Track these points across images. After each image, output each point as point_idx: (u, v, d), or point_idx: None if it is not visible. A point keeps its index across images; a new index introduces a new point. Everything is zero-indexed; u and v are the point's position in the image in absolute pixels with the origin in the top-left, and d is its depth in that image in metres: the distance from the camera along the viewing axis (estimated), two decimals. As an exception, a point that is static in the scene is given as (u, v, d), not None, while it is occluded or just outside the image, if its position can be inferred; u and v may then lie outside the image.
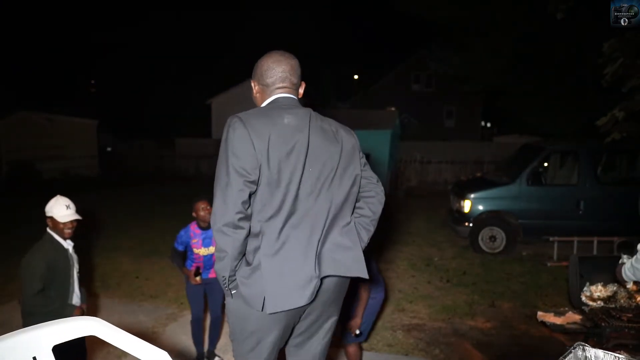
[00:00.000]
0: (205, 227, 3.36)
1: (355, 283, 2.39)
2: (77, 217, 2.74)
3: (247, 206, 1.63)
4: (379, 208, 1.93)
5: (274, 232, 1.63)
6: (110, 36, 31.34)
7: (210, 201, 3.23)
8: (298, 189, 1.65)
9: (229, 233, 1.60)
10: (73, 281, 2.78)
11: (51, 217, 2.69)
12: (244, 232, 1.62)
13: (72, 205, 2.75)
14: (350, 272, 1.75)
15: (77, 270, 2.84)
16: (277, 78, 1.77)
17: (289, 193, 1.64)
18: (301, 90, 1.88)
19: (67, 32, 31.34)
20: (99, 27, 33.70)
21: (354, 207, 1.88)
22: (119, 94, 29.69)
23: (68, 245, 2.79)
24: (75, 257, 2.83)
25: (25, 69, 28.70)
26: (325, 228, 1.71)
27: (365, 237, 1.89)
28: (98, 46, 30.62)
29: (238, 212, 1.59)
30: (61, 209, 2.69)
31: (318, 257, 1.68)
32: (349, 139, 1.83)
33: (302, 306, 1.67)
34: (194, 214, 3.37)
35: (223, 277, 1.66)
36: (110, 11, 33.99)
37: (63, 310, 2.64)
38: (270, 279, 1.62)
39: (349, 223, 1.81)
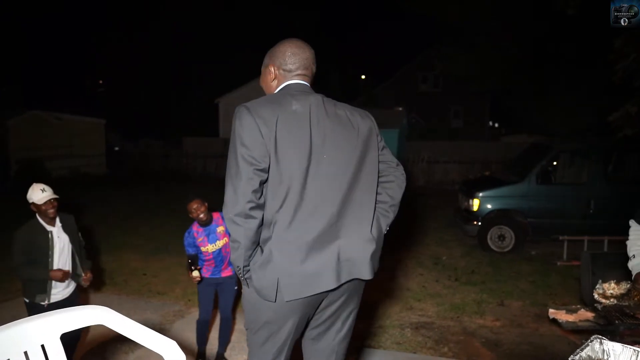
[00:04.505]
0: (205, 223, 3.33)
1: None
2: (54, 196, 2.99)
3: (258, 195, 1.60)
4: (398, 193, 1.88)
5: (285, 222, 1.60)
6: (119, 36, 31.58)
7: (200, 199, 3.30)
8: (306, 177, 1.60)
9: (241, 223, 1.58)
10: (53, 259, 3.00)
11: (33, 203, 2.96)
12: (255, 222, 1.60)
13: (47, 188, 2.99)
14: (373, 269, 1.75)
15: (69, 248, 3.10)
16: (300, 64, 1.77)
17: (296, 182, 1.59)
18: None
19: (75, 32, 31.62)
20: (107, 26, 33.97)
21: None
22: (127, 94, 29.87)
23: (52, 228, 3.02)
24: (65, 237, 3.07)
25: (34, 68, 29.01)
26: (345, 218, 1.67)
27: (384, 225, 1.83)
28: (106, 46, 30.84)
29: (249, 202, 1.57)
30: (38, 194, 2.95)
31: (334, 248, 1.64)
32: (365, 122, 1.78)
33: (316, 294, 1.64)
34: (190, 216, 3.35)
35: (238, 267, 1.66)
36: (118, 11, 34.21)
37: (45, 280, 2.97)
38: (281, 269, 1.60)
39: (372, 213, 1.76)
